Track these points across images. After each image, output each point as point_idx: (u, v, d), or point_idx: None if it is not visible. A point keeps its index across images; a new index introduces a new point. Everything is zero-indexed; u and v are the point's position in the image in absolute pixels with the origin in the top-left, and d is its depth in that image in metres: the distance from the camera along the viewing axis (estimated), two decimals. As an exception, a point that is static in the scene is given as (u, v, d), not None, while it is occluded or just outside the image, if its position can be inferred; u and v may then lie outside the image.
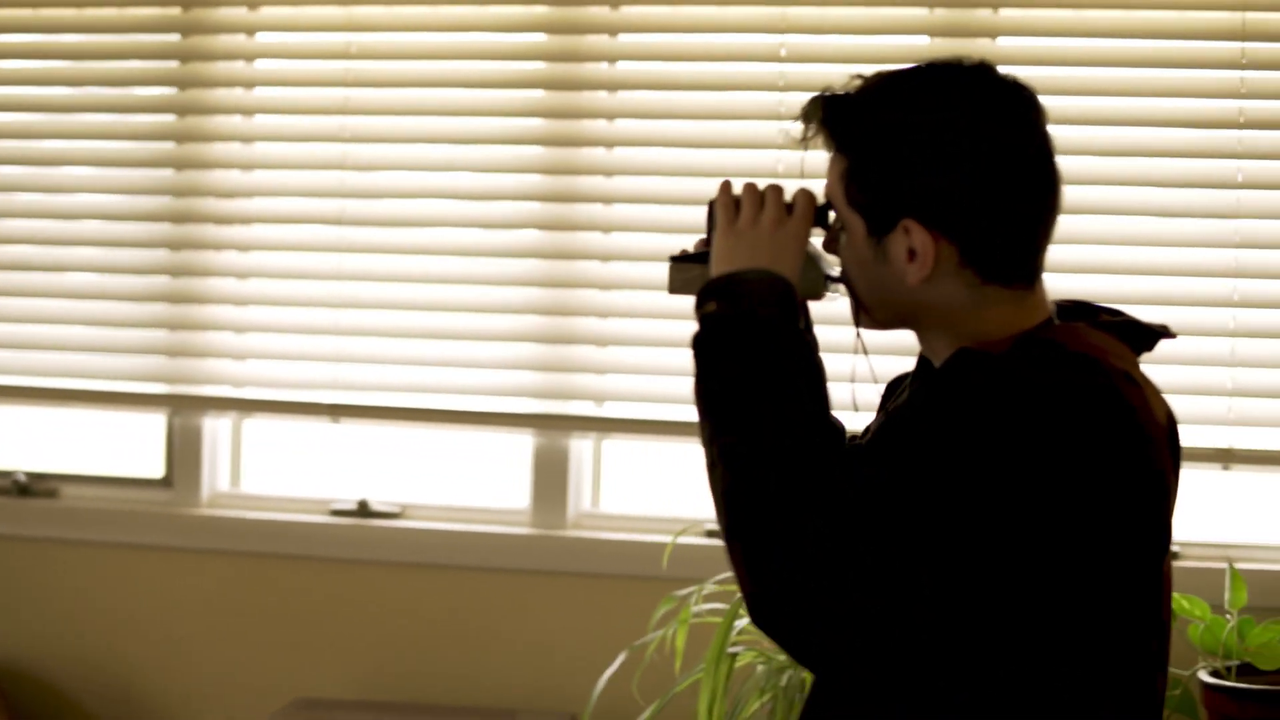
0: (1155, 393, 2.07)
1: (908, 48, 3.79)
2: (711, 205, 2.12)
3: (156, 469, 4.11)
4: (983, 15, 3.74)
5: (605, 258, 3.88)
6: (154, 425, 4.11)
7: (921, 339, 2.14)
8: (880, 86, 2.07)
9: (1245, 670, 3.26)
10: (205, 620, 4.00)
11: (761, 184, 2.11)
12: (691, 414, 3.70)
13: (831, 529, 1.88)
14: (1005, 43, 3.77)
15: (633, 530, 3.89)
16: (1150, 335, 2.15)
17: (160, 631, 4.02)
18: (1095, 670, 1.99)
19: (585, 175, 3.88)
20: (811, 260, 2.11)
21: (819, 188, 2.12)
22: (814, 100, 2.11)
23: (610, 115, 3.88)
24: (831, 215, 2.11)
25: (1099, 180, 3.67)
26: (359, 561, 3.94)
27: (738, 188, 2.12)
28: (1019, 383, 1.93)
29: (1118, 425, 1.94)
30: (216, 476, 4.10)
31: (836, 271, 2.13)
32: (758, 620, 1.93)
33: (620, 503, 3.97)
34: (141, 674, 4.03)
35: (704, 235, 2.15)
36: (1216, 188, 3.64)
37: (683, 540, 3.76)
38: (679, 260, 2.15)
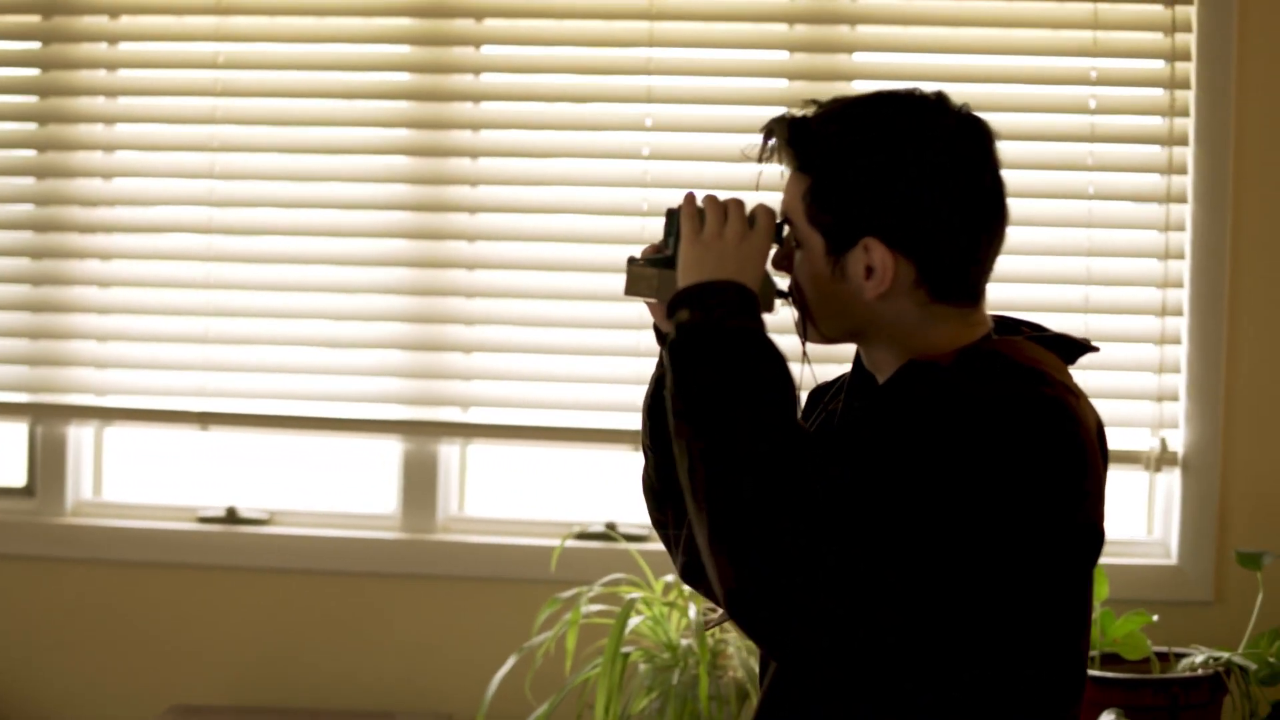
0: (1088, 403, 2.20)
1: (769, 63, 3.91)
2: (670, 212, 2.19)
3: (18, 478, 4.09)
4: (841, 32, 3.88)
5: (471, 266, 3.94)
6: (16, 434, 4.08)
7: (866, 352, 2.21)
8: (842, 111, 2.15)
9: (1109, 660, 3.44)
10: (74, 630, 3.99)
11: (721, 196, 2.18)
12: (556, 419, 3.82)
13: (804, 530, 1.95)
14: (861, 59, 3.91)
15: (501, 534, 3.95)
16: (1078, 348, 2.27)
17: (28, 642, 4.00)
18: (1046, 669, 2.10)
19: (451, 185, 3.94)
20: (765, 274, 2.20)
21: (775, 203, 2.20)
22: (778, 120, 2.17)
23: (475, 126, 3.94)
24: (786, 231, 2.18)
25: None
26: (228, 568, 3.96)
27: (701, 200, 2.17)
28: (970, 392, 2.03)
29: (1064, 434, 2.05)
30: (80, 485, 4.09)
31: (784, 285, 2.22)
32: (735, 616, 2.01)
33: (488, 507, 4.03)
34: (10, 686, 4.00)
35: (661, 240, 2.21)
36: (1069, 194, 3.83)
37: (550, 543, 3.85)
38: (636, 263, 2.21)
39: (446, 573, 3.91)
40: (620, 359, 3.89)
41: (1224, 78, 3.77)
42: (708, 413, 2.02)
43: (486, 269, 3.93)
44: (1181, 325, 3.81)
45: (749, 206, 2.17)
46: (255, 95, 3.96)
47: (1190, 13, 3.79)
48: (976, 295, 2.17)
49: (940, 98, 2.15)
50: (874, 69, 3.89)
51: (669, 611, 3.52)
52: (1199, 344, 3.79)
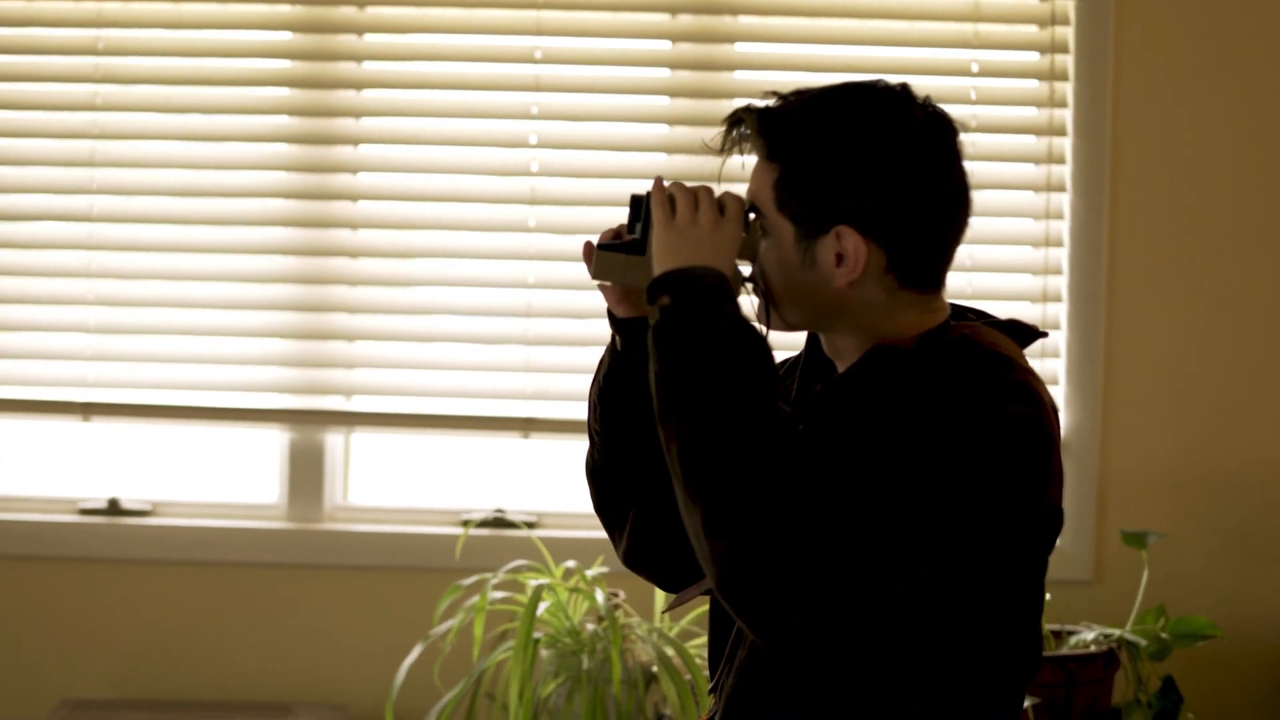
0: (1044, 386, 2.26)
1: (653, 53, 3.93)
2: (636, 199, 2.19)
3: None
4: (724, 22, 3.92)
5: (354, 254, 3.93)
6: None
7: (828, 339, 2.23)
8: (813, 101, 2.16)
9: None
10: (-45, 624, 3.93)
11: (689, 184, 2.18)
12: (440, 407, 3.81)
13: (790, 509, 1.98)
14: (743, 48, 3.94)
15: (388, 522, 3.95)
16: (1029, 334, 2.33)
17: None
18: (1012, 647, 2.15)
19: (333, 173, 3.92)
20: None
21: (741, 191, 2.23)
22: (746, 109, 2.17)
23: (357, 114, 3.93)
24: (753, 219, 2.19)
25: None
26: (112, 560, 3.92)
27: (669, 186, 2.17)
28: (941, 377, 2.06)
29: (1031, 417, 2.08)
30: (-42, 477, 4.04)
31: (746, 273, 2.25)
32: (729, 598, 2.04)
33: (373, 496, 4.02)
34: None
35: (625, 226, 2.21)
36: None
37: (438, 531, 3.86)
38: (605, 248, 2.21)
39: (335, 562, 3.89)
40: (506, 347, 3.90)
41: (1101, 70, 3.86)
42: (693, 396, 2.03)
43: (369, 257, 3.92)
44: (1061, 311, 3.89)
45: (716, 194, 2.20)
46: (135, 82, 3.92)
47: (1068, 6, 3.88)
48: (939, 282, 2.20)
49: (906, 90, 2.19)
50: (755, 59, 3.93)
51: (571, 597, 3.54)
52: (1078, 329, 3.88)
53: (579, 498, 3.97)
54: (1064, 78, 3.87)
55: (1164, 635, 3.43)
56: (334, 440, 3.98)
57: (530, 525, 3.88)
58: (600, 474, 2.38)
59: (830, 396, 2.17)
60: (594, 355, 3.87)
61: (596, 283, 2.25)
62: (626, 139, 3.93)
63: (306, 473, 3.96)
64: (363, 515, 3.98)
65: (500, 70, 3.91)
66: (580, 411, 3.88)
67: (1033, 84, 3.90)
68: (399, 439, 4.04)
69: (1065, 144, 3.88)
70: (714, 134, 2.22)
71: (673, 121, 3.93)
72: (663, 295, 2.09)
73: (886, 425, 2.06)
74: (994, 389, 2.07)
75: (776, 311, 2.21)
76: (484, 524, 3.90)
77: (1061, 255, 3.89)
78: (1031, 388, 2.11)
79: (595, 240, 2.24)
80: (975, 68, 3.90)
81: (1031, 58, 3.90)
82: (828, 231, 2.13)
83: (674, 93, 3.93)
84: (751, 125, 2.17)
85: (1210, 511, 3.88)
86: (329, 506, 3.96)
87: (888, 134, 2.14)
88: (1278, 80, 3.89)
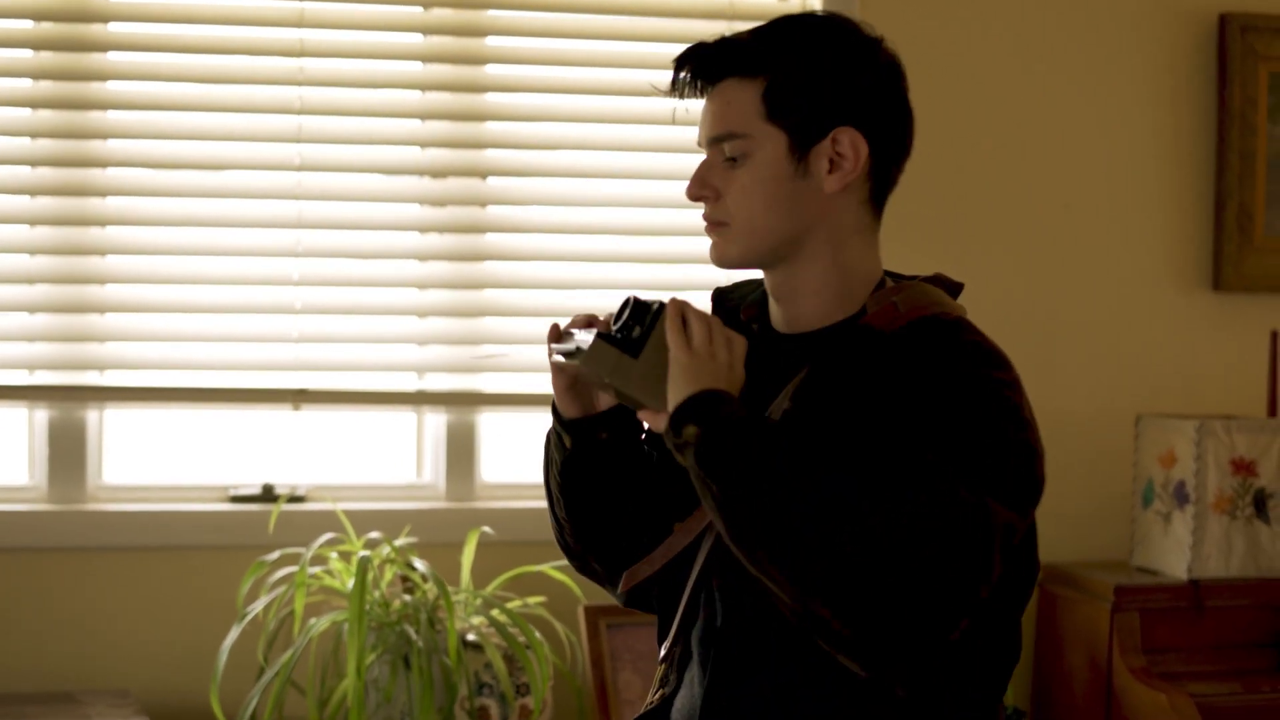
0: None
1: (406, 44, 3.89)
2: (639, 304, 2.17)
3: None
4: (477, 15, 3.91)
5: (103, 223, 3.79)
6: None
7: (784, 276, 2.24)
8: (783, 21, 2.23)
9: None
10: None
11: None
12: (194, 380, 3.73)
13: (890, 544, 1.99)
14: (494, 42, 3.93)
15: (153, 501, 3.82)
16: (958, 288, 2.32)
17: None
18: (1015, 627, 2.23)
19: (83, 140, 3.75)
20: None
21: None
22: (702, 43, 2.23)
23: (105, 77, 3.77)
24: (727, 147, 2.21)
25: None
26: None
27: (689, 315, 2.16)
28: (946, 370, 2.11)
29: (1027, 401, 2.18)
30: None
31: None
32: (847, 653, 2.04)
33: (137, 474, 3.88)
34: None
35: (615, 322, 2.19)
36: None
37: (207, 507, 3.78)
38: (604, 338, 2.17)
39: (104, 544, 3.75)
40: (274, 316, 3.83)
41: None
42: (768, 516, 2.03)
43: (120, 224, 3.79)
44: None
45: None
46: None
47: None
48: (882, 210, 2.28)
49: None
50: (505, 53, 3.93)
51: (383, 569, 3.52)
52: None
53: (354, 469, 3.99)
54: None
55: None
56: (96, 418, 3.84)
57: (300, 499, 3.83)
58: (577, 553, 2.42)
59: (818, 384, 2.19)
60: (364, 323, 3.83)
61: (554, 363, 2.26)
62: (386, 105, 3.90)
63: (68, 452, 3.80)
64: (127, 495, 3.84)
65: (261, 34, 3.83)
66: (354, 382, 3.85)
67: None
68: (162, 414, 3.91)
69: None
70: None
71: (426, 88, 3.92)
72: (689, 424, 2.08)
73: (912, 412, 2.10)
74: (1001, 384, 2.13)
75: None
76: (252, 499, 3.83)
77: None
78: (1020, 386, 2.17)
79: (564, 323, 2.25)
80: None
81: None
82: (825, 135, 2.19)
83: (424, 86, 3.92)
84: (718, 52, 2.22)
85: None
86: (91, 486, 3.83)
87: (866, 44, 2.23)
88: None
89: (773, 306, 2.30)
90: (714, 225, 2.25)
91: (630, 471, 2.35)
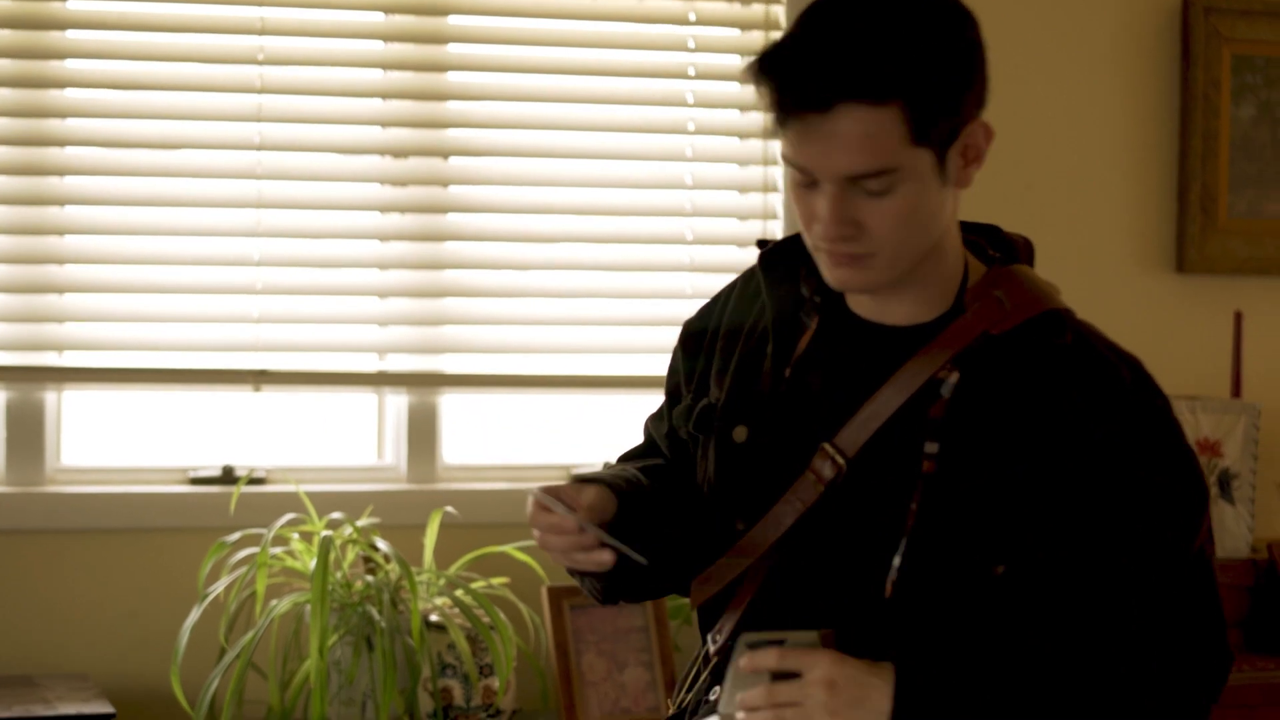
0: None
1: (368, 23, 3.85)
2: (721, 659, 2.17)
3: None
4: (435, 23, 3.88)
5: (61, 203, 3.75)
6: None
7: (907, 283, 2.17)
8: (873, 28, 2.02)
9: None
10: None
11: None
12: (153, 361, 3.68)
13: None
14: (456, 20, 3.90)
15: (112, 483, 3.78)
16: (1029, 251, 2.36)
17: None
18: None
19: (41, 119, 3.70)
20: None
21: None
22: (802, 60, 2.01)
23: (63, 55, 3.73)
24: (873, 184, 2.04)
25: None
26: None
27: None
28: (1141, 372, 2.26)
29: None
30: None
31: None
32: None
33: (95, 455, 3.84)
34: None
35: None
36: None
37: (167, 489, 3.75)
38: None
39: (63, 526, 3.70)
40: (235, 297, 3.79)
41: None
42: None
43: (80, 204, 3.74)
44: (778, 228, 4.03)
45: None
46: None
47: (779, 11, 4.01)
48: None
49: None
50: (469, 60, 3.91)
51: (345, 550, 3.49)
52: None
53: (316, 451, 3.96)
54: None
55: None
56: (54, 399, 3.80)
57: (260, 480, 3.80)
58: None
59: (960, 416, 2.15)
60: (325, 303, 3.80)
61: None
62: (347, 84, 3.87)
63: (26, 434, 3.76)
64: (86, 477, 3.79)
65: (221, 11, 3.79)
66: (314, 363, 3.82)
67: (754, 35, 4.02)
68: (121, 395, 3.88)
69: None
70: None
71: (388, 66, 3.89)
72: None
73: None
74: (1163, 410, 2.24)
75: None
76: (212, 480, 3.79)
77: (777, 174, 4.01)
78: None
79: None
80: (692, 70, 4.00)
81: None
82: (960, 136, 2.09)
83: (386, 93, 3.90)
84: (832, 75, 2.00)
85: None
86: (50, 468, 3.79)
87: (967, 20, 2.11)
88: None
89: (859, 302, 2.22)
90: (856, 258, 2.10)
91: (667, 523, 2.31)
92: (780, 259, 2.27)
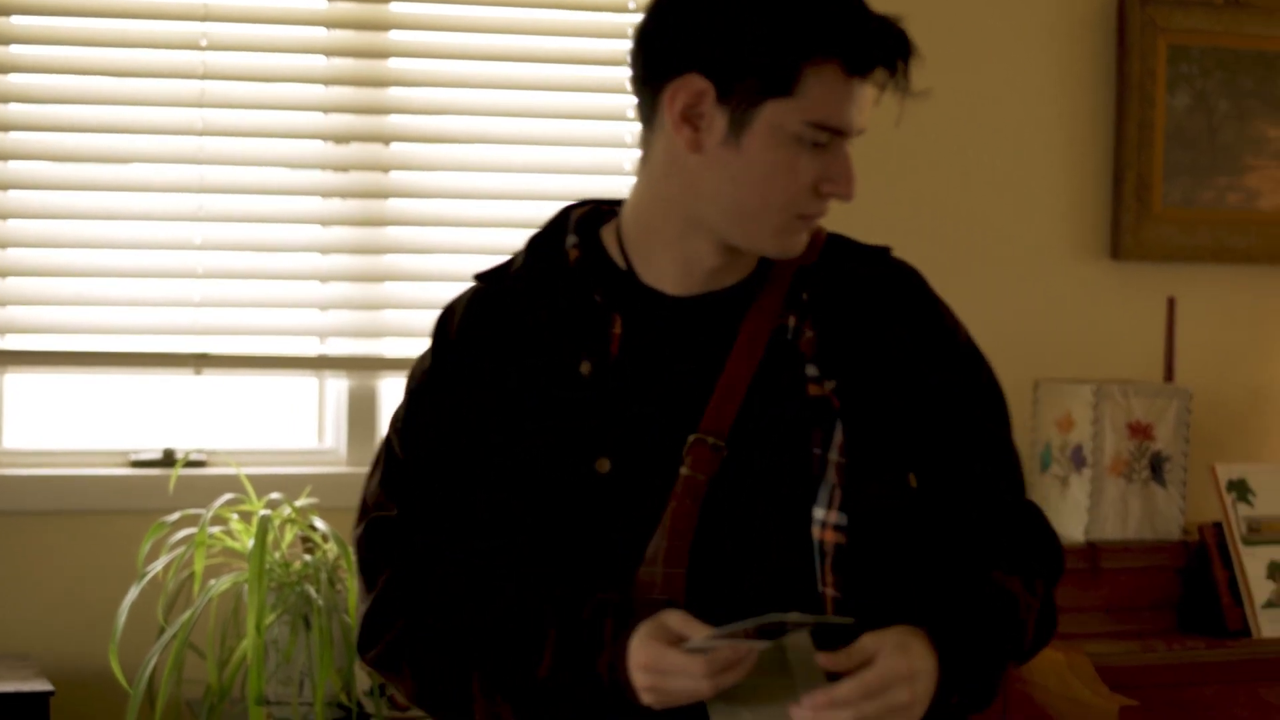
0: None
1: (310, 10, 3.89)
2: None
3: None
4: (377, 9, 3.92)
5: (3, 187, 3.75)
6: None
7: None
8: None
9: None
10: None
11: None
12: (95, 344, 3.70)
13: None
14: (398, 8, 3.93)
15: (53, 465, 3.80)
16: None
17: None
18: None
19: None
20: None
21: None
22: (898, 31, 2.12)
23: (7, 41, 3.75)
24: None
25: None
26: None
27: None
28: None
29: None
30: None
31: None
32: None
33: (34, 438, 3.86)
34: None
35: None
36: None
37: (111, 472, 3.77)
38: None
39: (3, 508, 3.71)
40: (172, 281, 3.81)
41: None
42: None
43: (22, 189, 3.76)
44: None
45: None
46: None
47: None
48: None
49: None
50: (409, 47, 3.94)
51: (283, 530, 3.52)
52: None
53: (256, 434, 3.98)
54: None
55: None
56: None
57: (200, 464, 3.82)
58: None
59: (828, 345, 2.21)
60: (266, 288, 3.83)
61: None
62: (289, 70, 3.90)
63: (-33, 416, 3.79)
64: (27, 459, 3.81)
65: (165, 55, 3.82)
66: (255, 346, 3.85)
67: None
68: (63, 379, 3.89)
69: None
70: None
71: (330, 53, 3.92)
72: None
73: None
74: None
75: None
76: (153, 463, 3.81)
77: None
78: None
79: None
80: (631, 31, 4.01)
81: None
82: None
83: (328, 79, 3.93)
84: (903, 46, 2.14)
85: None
86: (-7, 452, 3.81)
87: None
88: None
89: (690, 274, 2.19)
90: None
91: None
92: (507, 289, 2.25)
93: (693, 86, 2.10)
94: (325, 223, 3.89)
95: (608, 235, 2.25)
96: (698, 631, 1.98)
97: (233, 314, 3.84)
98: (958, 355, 2.27)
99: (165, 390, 3.93)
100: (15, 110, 3.76)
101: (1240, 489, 3.97)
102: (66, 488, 3.76)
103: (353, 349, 3.90)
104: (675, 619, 2.01)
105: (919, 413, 2.20)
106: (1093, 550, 3.87)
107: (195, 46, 3.81)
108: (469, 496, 2.19)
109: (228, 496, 3.53)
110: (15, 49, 3.76)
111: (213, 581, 3.44)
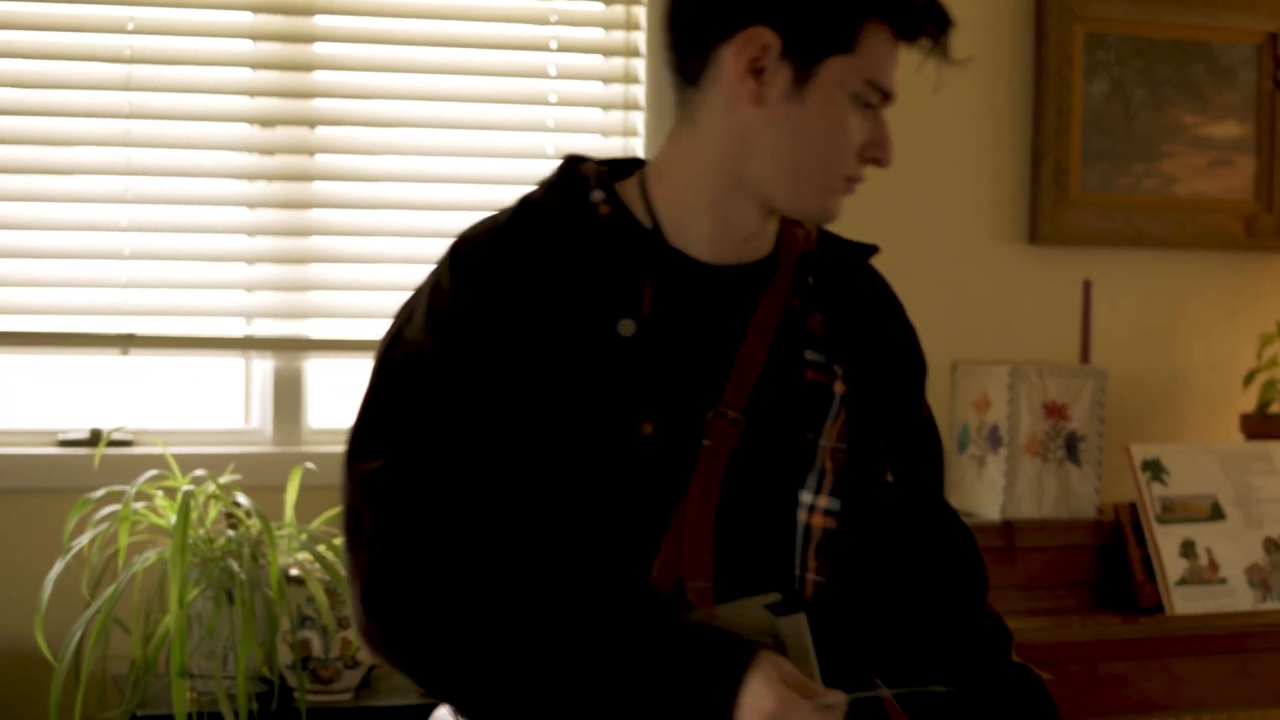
0: None
1: (233, 23, 3.92)
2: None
3: None
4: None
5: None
6: None
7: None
8: None
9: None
10: None
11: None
12: (22, 324, 3.72)
13: None
14: (323, 20, 3.98)
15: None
16: None
17: None
18: None
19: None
20: None
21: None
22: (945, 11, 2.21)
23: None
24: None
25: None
26: None
27: None
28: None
29: None
30: None
31: None
32: None
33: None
34: None
35: None
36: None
37: (37, 451, 3.80)
38: None
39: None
40: (99, 262, 3.84)
41: None
42: None
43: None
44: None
45: None
46: None
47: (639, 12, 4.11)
48: None
49: None
50: (336, 60, 3.98)
51: (207, 506, 3.55)
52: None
53: (183, 414, 4.01)
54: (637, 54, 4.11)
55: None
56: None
57: (127, 443, 3.85)
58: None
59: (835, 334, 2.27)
60: (193, 269, 3.86)
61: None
62: (215, 54, 3.93)
63: (-106, 396, 3.82)
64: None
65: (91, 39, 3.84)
66: (182, 327, 3.88)
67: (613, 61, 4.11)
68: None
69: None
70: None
71: (256, 37, 3.96)
72: None
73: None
74: None
75: None
76: (80, 443, 3.84)
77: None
78: None
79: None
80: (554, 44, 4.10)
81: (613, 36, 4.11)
82: None
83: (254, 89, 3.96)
84: (947, 12, 2.24)
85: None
86: (-84, 432, 3.84)
87: None
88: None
89: (723, 239, 2.20)
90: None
91: None
92: (503, 246, 2.25)
93: (760, 40, 2.12)
94: (252, 205, 3.93)
95: (627, 193, 2.23)
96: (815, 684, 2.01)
97: (160, 295, 3.87)
98: (921, 367, 2.37)
99: (93, 370, 3.96)
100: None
101: (1155, 469, 4.04)
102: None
103: (278, 330, 3.94)
104: (786, 666, 2.00)
105: (896, 415, 2.27)
106: (1009, 529, 3.93)
107: (122, 30, 3.84)
108: (503, 433, 2.11)
109: (152, 473, 3.55)
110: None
111: (137, 557, 3.47)
